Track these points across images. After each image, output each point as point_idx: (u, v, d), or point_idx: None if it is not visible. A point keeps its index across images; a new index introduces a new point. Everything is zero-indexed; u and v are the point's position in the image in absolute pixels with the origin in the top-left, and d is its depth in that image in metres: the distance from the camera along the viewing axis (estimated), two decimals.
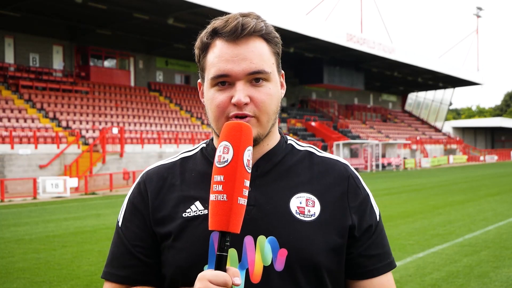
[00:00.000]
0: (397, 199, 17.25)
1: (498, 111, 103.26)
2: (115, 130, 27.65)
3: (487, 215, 13.01)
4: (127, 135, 29.11)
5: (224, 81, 1.29)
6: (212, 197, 1.15)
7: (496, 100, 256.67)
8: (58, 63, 33.56)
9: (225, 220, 1.13)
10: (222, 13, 1.39)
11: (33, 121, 26.86)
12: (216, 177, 1.15)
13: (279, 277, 1.26)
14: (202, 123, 36.49)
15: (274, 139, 1.39)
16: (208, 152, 1.40)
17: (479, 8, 65.70)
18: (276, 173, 1.36)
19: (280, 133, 1.43)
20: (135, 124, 32.04)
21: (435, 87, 64.70)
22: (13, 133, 23.86)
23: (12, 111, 26.77)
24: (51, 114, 28.61)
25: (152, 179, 1.40)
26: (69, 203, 18.36)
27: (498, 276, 6.90)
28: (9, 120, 25.77)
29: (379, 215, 1.40)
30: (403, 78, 57.05)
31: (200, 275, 1.13)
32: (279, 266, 1.27)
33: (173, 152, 28.88)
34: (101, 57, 36.11)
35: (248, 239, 1.27)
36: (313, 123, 45.72)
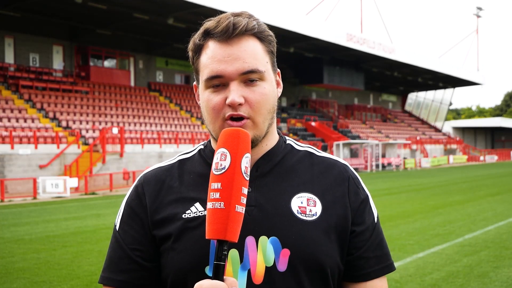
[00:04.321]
0: (397, 199, 17.24)
1: (498, 111, 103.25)
2: (115, 130, 27.65)
3: (487, 215, 13.00)
4: (127, 135, 29.11)
5: (218, 82, 1.28)
6: (209, 205, 1.13)
7: (496, 100, 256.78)
8: (58, 63, 33.57)
9: (222, 228, 1.10)
10: (222, 13, 1.39)
11: (33, 121, 26.87)
12: (214, 185, 1.13)
13: (282, 278, 1.25)
14: (202, 123, 36.49)
15: (272, 139, 1.38)
16: (206, 154, 1.39)
17: (479, 8, 65.72)
18: (276, 173, 1.34)
19: (278, 133, 1.42)
20: (135, 124, 32.04)
21: (435, 87, 64.71)
22: (13, 133, 23.87)
23: (12, 111, 26.77)
24: (51, 114, 28.62)
25: (150, 182, 1.38)
26: (69, 203, 18.36)
27: (498, 276, 6.90)
28: (9, 120, 25.78)
29: (377, 217, 1.39)
30: (403, 78, 57.06)
31: (197, 285, 1.10)
32: (282, 266, 1.25)
33: (173, 152, 28.89)
34: (101, 57, 36.11)
35: (250, 240, 1.26)
36: (313, 123, 45.72)
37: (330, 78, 46.89)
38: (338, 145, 39.52)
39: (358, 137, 47.32)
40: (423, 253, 8.45)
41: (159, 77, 39.97)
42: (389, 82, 59.87)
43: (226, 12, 1.34)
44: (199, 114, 37.59)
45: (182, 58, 40.17)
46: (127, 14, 29.93)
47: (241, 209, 1.13)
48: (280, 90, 1.39)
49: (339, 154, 38.29)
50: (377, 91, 63.00)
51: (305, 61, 44.44)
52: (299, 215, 1.29)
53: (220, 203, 1.11)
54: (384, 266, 1.36)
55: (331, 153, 38.12)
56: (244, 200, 1.14)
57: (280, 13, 34.10)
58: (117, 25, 32.93)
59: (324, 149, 39.66)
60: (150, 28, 33.60)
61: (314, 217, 1.29)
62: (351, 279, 1.34)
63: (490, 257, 8.02)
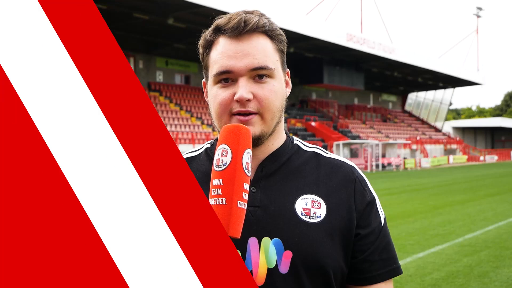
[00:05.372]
0: (397, 199, 17.23)
1: (498, 111, 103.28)
2: None
3: (487, 215, 13.00)
4: None
5: (227, 78, 1.28)
6: (211, 201, 1.12)
7: (496, 100, 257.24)
8: None
9: (224, 224, 1.10)
10: (222, 13, 1.39)
11: None
12: (215, 181, 1.13)
13: (284, 280, 1.24)
14: (202, 123, 36.51)
15: (279, 139, 1.37)
16: (213, 152, 1.38)
17: (479, 8, 65.75)
18: (282, 174, 1.34)
19: (286, 133, 1.41)
20: None
21: (435, 87, 64.71)
22: None
23: None
24: None
25: None
26: None
27: (498, 276, 6.90)
28: None
29: (384, 220, 1.38)
30: (403, 78, 57.06)
31: None
32: (284, 268, 1.25)
33: None
34: None
35: (252, 241, 1.26)
36: (313, 123, 45.73)
37: (330, 78, 46.91)
38: (338, 145, 39.52)
39: (358, 137, 47.33)
40: (423, 253, 8.45)
41: (159, 77, 39.98)
42: (389, 82, 59.87)
43: (227, 12, 1.34)
44: (199, 114, 37.59)
45: (182, 58, 40.21)
46: (127, 14, 29.94)
47: (243, 205, 1.12)
48: (289, 90, 1.39)
49: (339, 154, 38.29)
50: (377, 91, 63.01)
51: (305, 61, 44.44)
52: (303, 217, 1.28)
53: (222, 199, 1.11)
54: (390, 270, 1.37)
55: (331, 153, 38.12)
56: (245, 196, 1.13)
57: (280, 13, 34.11)
58: (117, 25, 32.92)
59: (324, 149, 39.64)
60: (150, 28, 33.61)
61: (318, 219, 1.28)
62: (356, 282, 1.34)
63: (490, 257, 8.02)
